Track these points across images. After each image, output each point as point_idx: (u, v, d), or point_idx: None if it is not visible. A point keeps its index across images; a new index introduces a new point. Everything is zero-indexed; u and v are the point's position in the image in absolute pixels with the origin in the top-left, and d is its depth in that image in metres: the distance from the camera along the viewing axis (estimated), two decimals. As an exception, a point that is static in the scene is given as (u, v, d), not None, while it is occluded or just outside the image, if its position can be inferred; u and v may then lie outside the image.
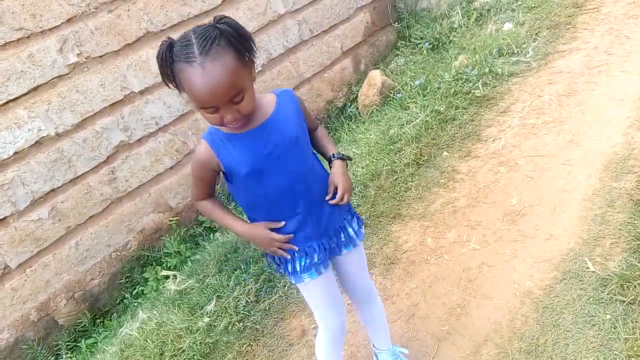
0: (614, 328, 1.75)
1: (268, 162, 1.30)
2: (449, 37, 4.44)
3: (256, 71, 1.26)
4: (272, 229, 1.39)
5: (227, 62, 1.09)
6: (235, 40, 1.12)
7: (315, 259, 1.44)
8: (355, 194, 2.97)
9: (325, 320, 1.59)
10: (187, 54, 1.08)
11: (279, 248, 1.40)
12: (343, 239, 1.52)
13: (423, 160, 3.08)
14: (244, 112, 1.18)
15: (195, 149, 1.34)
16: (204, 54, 1.07)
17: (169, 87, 1.18)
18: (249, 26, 3.61)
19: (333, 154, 1.49)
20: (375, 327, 1.80)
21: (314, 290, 1.52)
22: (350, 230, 1.53)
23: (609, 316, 1.79)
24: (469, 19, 4.54)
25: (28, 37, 2.65)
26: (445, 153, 3.11)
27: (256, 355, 2.26)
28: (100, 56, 2.91)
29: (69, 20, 2.78)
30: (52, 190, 2.81)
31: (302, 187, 1.36)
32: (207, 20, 1.14)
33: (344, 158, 1.49)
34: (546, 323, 1.88)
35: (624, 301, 1.80)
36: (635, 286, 1.82)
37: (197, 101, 1.13)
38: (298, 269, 1.45)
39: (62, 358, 2.80)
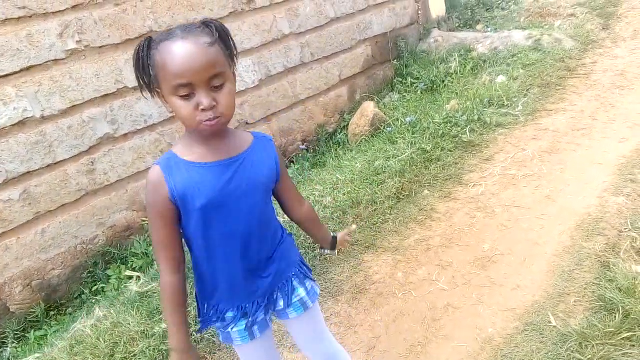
0: (569, 385, 1.76)
1: (230, 199, 1.15)
2: (444, 81, 4.57)
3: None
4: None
5: (209, 40, 1.03)
6: (219, 31, 1.07)
7: (256, 318, 1.32)
8: (333, 219, 2.97)
9: None
10: (169, 33, 1.04)
11: None
12: (290, 300, 1.36)
13: (404, 195, 3.11)
14: (222, 107, 1.05)
15: (147, 178, 1.15)
16: (187, 32, 1.03)
17: (142, 87, 1.09)
18: (253, 41, 3.66)
19: (333, 234, 1.54)
20: None
21: (247, 354, 1.41)
22: (300, 290, 1.37)
23: (565, 372, 1.80)
24: (465, 67, 4.69)
25: (30, 17, 2.64)
26: (426, 191, 3.15)
27: (209, 368, 2.21)
28: (100, 47, 2.91)
29: (74, 7, 2.78)
30: (28, 172, 2.75)
31: (255, 235, 1.23)
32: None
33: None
34: (503, 372, 1.88)
35: None
36: (594, 346, 1.84)
37: (173, 75, 1.00)
38: (230, 329, 1.32)
39: (7, 347, 2.68)
